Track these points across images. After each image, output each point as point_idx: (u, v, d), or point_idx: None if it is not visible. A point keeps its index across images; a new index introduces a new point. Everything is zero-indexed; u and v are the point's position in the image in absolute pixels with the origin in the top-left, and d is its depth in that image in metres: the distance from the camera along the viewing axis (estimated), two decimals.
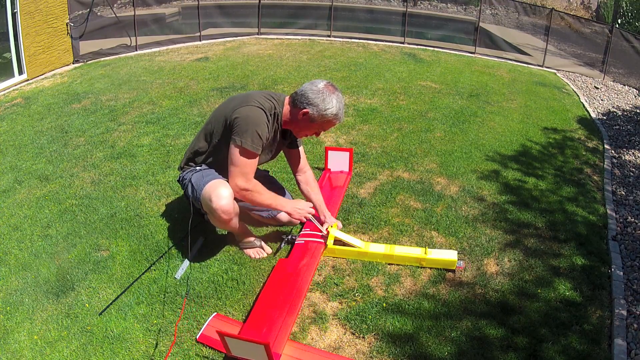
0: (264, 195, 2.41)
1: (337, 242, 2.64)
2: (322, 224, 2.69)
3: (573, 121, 5.24)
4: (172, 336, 2.12)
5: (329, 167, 3.52)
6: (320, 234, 2.64)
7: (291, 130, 2.52)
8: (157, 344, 2.09)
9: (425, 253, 2.57)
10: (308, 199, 2.74)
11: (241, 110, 2.30)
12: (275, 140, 2.50)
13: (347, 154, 3.46)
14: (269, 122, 2.35)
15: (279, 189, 2.81)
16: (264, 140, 2.33)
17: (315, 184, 2.76)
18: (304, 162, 2.72)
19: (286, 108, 2.43)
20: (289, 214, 2.51)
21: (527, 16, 8.71)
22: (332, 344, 2.12)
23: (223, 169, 2.45)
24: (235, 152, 2.30)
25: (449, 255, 2.57)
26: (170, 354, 2.03)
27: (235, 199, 2.37)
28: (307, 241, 2.64)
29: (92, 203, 3.15)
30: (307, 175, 2.73)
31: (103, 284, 2.44)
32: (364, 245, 2.62)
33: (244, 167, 2.31)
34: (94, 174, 3.53)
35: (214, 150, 2.49)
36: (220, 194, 2.30)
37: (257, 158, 2.36)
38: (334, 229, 2.64)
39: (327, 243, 2.61)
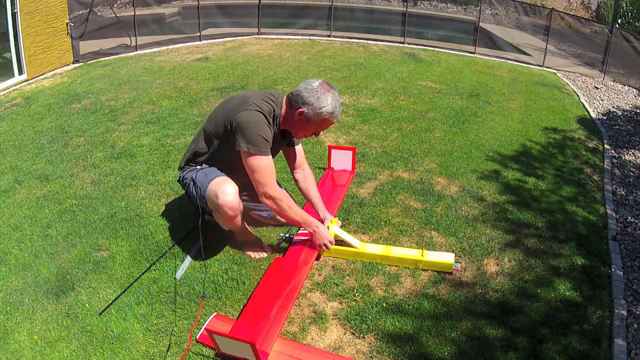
0: (293, 210, 2.42)
1: (336, 241, 2.64)
2: (322, 221, 2.67)
3: (573, 121, 5.24)
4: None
5: (332, 165, 3.52)
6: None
7: (289, 131, 2.52)
8: (169, 345, 2.09)
9: (422, 255, 2.56)
10: (306, 197, 2.74)
11: (240, 116, 2.30)
12: (275, 141, 2.50)
13: (350, 152, 3.47)
14: (269, 124, 2.35)
15: None
16: (269, 141, 2.33)
17: (313, 181, 2.75)
18: (302, 160, 2.71)
19: (283, 109, 2.43)
20: (310, 235, 2.53)
21: (527, 16, 8.71)
22: (332, 344, 2.12)
23: (224, 170, 2.46)
24: (248, 161, 2.31)
25: (446, 258, 2.56)
26: (170, 354, 2.03)
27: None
28: (304, 241, 2.64)
29: (92, 203, 3.15)
30: (305, 173, 2.72)
31: (103, 284, 2.44)
32: (361, 246, 2.62)
33: (262, 172, 2.31)
34: (94, 174, 3.53)
35: (214, 153, 2.49)
36: (226, 191, 2.30)
37: (270, 158, 2.35)
38: (334, 225, 2.62)
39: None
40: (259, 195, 2.37)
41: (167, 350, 2.04)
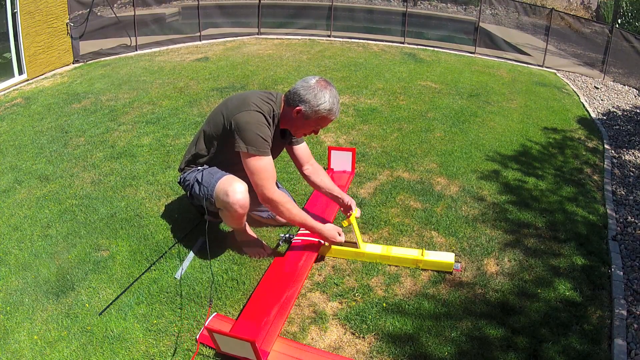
0: (292, 212, 2.39)
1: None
2: (347, 207, 2.63)
3: (573, 121, 5.24)
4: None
5: (331, 166, 3.52)
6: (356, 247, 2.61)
7: (289, 130, 2.52)
8: (175, 349, 2.09)
9: (422, 255, 2.56)
10: (322, 190, 2.68)
11: (240, 116, 2.30)
12: (275, 141, 2.49)
13: (350, 153, 3.46)
14: (269, 124, 2.35)
15: None
16: (269, 141, 2.32)
17: (325, 172, 2.70)
18: (308, 156, 2.68)
19: (282, 108, 2.42)
20: (324, 238, 2.52)
21: (527, 16, 8.70)
22: (332, 344, 2.12)
23: (225, 170, 2.45)
24: (247, 161, 2.29)
25: (446, 258, 2.56)
26: (170, 354, 2.03)
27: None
28: (304, 240, 2.64)
29: (92, 203, 3.15)
30: (315, 167, 2.68)
31: (103, 284, 2.44)
32: (361, 246, 2.61)
33: (261, 173, 2.29)
34: (94, 174, 3.53)
35: (215, 154, 2.49)
36: (236, 189, 2.29)
37: (270, 159, 2.33)
38: (353, 220, 2.60)
39: (324, 243, 2.61)
40: (259, 198, 2.36)
41: (173, 355, 2.04)
